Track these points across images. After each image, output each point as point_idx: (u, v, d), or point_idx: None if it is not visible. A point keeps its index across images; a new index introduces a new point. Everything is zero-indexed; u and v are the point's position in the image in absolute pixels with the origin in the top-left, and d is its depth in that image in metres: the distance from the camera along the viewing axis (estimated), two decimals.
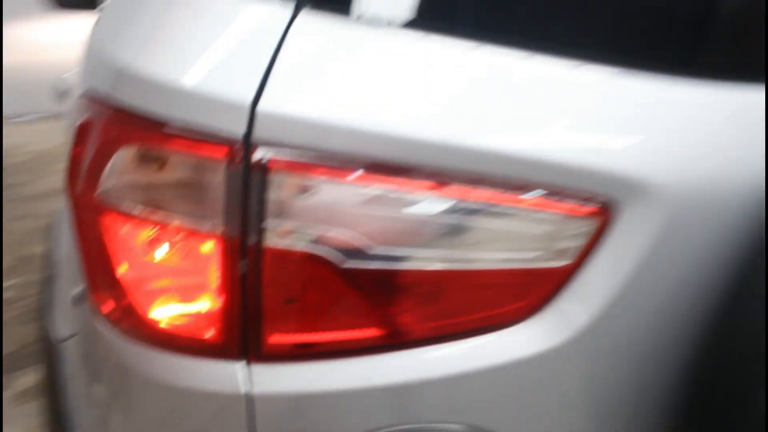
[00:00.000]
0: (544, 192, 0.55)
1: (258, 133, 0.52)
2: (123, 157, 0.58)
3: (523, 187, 0.55)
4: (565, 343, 0.58)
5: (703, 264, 0.58)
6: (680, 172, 0.56)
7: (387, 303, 0.57)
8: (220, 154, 0.53)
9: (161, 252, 0.58)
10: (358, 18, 0.55)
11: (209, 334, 0.58)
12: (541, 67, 0.56)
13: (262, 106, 0.52)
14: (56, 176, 3.42)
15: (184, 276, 0.58)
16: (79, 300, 0.79)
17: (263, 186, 0.53)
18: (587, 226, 0.57)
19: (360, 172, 0.53)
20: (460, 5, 0.58)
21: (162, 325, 0.59)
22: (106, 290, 0.62)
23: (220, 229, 0.54)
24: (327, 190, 0.53)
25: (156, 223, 0.57)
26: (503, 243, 0.57)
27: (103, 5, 1.07)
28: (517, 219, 0.56)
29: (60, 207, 1.12)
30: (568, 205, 0.56)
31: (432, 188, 0.54)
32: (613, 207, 0.56)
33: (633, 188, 0.55)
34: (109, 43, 0.66)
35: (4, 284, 2.75)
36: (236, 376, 0.57)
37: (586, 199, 0.56)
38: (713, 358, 0.60)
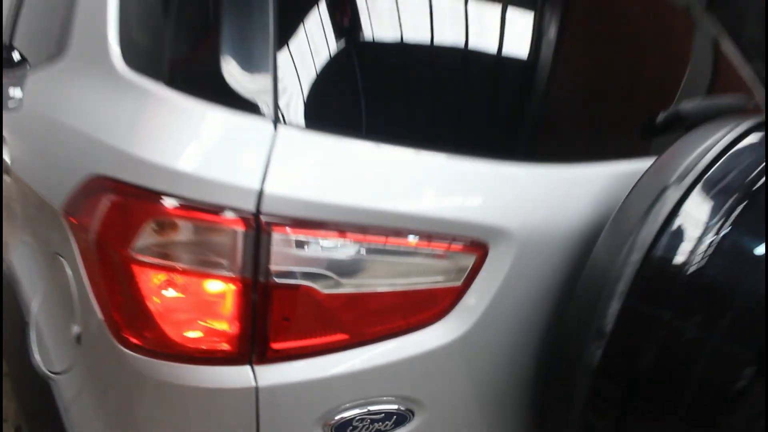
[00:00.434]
0: (435, 236, 0.87)
1: (263, 208, 0.79)
2: (154, 226, 0.83)
3: (418, 233, 0.86)
4: (462, 336, 0.90)
5: (540, 279, 0.93)
6: (521, 222, 0.90)
7: (347, 316, 0.86)
8: (238, 223, 0.79)
9: (186, 291, 0.84)
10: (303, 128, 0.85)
11: (226, 347, 0.83)
12: (424, 158, 0.89)
13: (265, 191, 0.79)
14: None
15: (205, 308, 0.84)
16: (79, 339, 1.01)
17: (269, 243, 0.80)
18: (470, 259, 0.90)
19: (327, 231, 0.83)
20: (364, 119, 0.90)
21: (189, 345, 0.84)
22: (138, 324, 0.86)
23: (237, 273, 0.81)
24: (308, 243, 0.82)
25: (183, 271, 0.82)
26: (420, 272, 0.88)
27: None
28: (422, 256, 0.88)
29: (20, 266, 1.29)
30: (457, 246, 0.88)
31: (362, 238, 0.84)
32: (486, 245, 0.89)
33: (496, 233, 0.89)
34: (119, 135, 0.90)
35: None
36: (247, 376, 0.83)
37: (465, 240, 0.88)
38: (552, 341, 0.95)
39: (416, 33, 1.00)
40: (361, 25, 0.97)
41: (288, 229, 0.80)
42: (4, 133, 1.49)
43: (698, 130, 1.00)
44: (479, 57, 1.05)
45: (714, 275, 0.84)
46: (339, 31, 0.95)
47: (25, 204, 1.30)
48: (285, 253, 0.81)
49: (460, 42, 1.04)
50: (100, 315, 0.91)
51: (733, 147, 0.93)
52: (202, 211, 0.80)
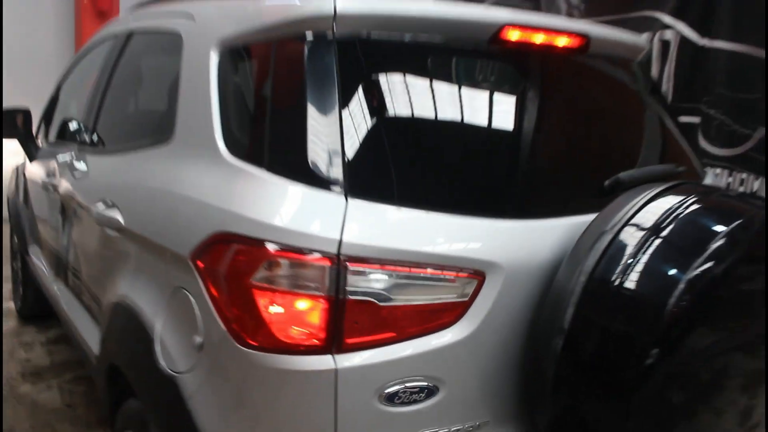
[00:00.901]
0: (449, 267, 1.32)
1: (342, 251, 1.25)
2: (266, 264, 1.28)
3: (439, 266, 1.32)
4: (469, 335, 1.35)
5: (521, 296, 1.39)
6: (507, 258, 1.36)
7: (394, 321, 1.31)
8: (325, 261, 1.25)
9: (289, 306, 1.28)
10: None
11: (316, 342, 1.28)
12: (442, 217, 1.35)
13: (343, 240, 1.25)
14: None
15: (302, 317, 1.28)
16: (201, 347, 1.44)
17: (345, 273, 1.25)
18: (473, 283, 1.35)
19: (382, 266, 1.28)
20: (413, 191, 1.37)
21: (291, 342, 1.28)
22: (255, 330, 1.30)
23: (324, 293, 1.26)
24: (370, 273, 1.27)
25: (288, 293, 1.27)
26: (441, 292, 1.33)
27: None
28: (442, 281, 1.33)
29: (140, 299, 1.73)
30: (464, 274, 1.33)
31: (403, 270, 1.29)
32: (484, 274, 1.35)
33: (491, 265, 1.34)
34: (235, 203, 1.36)
35: None
36: (330, 362, 1.27)
37: (471, 272, 1.34)
38: (530, 336, 1.40)
39: (437, 135, 1.48)
40: (397, 128, 1.45)
41: (357, 264, 1.26)
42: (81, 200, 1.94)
43: (628, 193, 1.47)
44: (480, 150, 1.53)
45: (633, 289, 1.29)
46: (381, 134, 1.42)
47: (142, 253, 1.75)
48: (355, 280, 1.26)
49: (469, 136, 1.52)
50: (223, 327, 1.35)
51: (648, 203, 1.40)
52: (301, 253, 1.26)
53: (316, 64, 1.41)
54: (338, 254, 1.24)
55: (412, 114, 1.48)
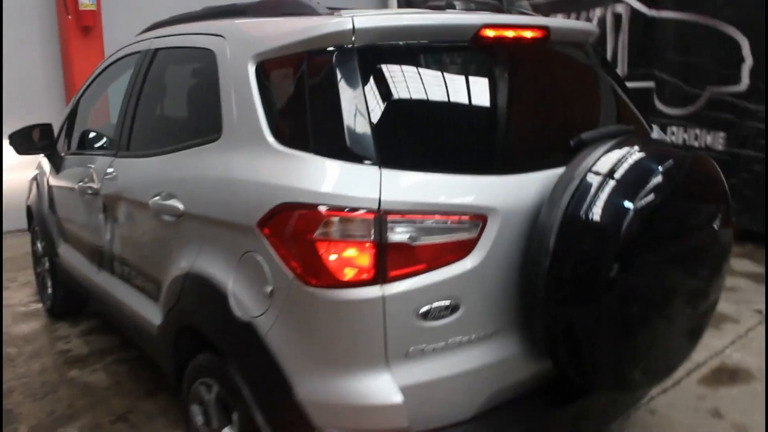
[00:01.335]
0: (461, 213, 1.77)
1: (381, 207, 1.69)
2: (326, 223, 1.71)
3: (454, 213, 1.76)
4: (479, 263, 1.79)
5: (515, 230, 1.84)
6: (502, 204, 1.81)
7: (424, 256, 1.75)
8: (370, 214, 1.69)
9: (345, 252, 1.72)
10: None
11: (366, 277, 1.71)
12: (452, 177, 1.79)
13: (382, 198, 1.68)
14: None
15: (354, 261, 1.71)
16: (270, 294, 1.87)
17: (385, 223, 1.69)
18: (478, 225, 1.80)
19: (412, 215, 1.72)
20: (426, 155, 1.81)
21: (347, 279, 1.71)
22: (318, 273, 1.73)
23: (371, 239, 1.69)
24: (404, 222, 1.71)
25: (343, 242, 1.71)
26: (456, 231, 1.77)
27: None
28: (456, 223, 1.78)
29: (210, 267, 2.14)
30: (470, 217, 1.78)
31: (428, 217, 1.73)
32: (485, 216, 1.79)
33: (491, 210, 1.79)
34: (291, 180, 1.78)
35: None
36: (379, 292, 1.71)
37: (475, 215, 1.79)
38: (524, 259, 1.86)
39: (440, 115, 1.92)
40: (411, 111, 1.89)
41: (393, 216, 1.69)
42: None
43: (589, 148, 1.93)
44: (473, 124, 1.98)
45: (596, 219, 1.75)
46: (399, 117, 1.86)
47: (206, 231, 2.16)
48: (392, 228, 1.69)
49: (463, 114, 1.97)
50: (290, 275, 1.78)
51: (604, 155, 1.85)
52: (351, 212, 1.69)
53: (343, 67, 1.83)
54: (379, 209, 1.68)
55: (420, 100, 1.93)
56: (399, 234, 1.70)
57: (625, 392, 2.13)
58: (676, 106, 6.23)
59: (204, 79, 2.40)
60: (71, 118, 3.86)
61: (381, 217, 1.67)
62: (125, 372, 3.76)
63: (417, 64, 1.95)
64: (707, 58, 5.92)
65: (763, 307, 4.39)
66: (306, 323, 1.80)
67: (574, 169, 1.87)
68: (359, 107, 1.79)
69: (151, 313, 2.67)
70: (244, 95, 2.06)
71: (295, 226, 1.74)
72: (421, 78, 1.94)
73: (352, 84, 1.81)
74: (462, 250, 1.78)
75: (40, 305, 4.82)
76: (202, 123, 2.31)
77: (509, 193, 1.85)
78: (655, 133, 2.54)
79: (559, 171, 1.92)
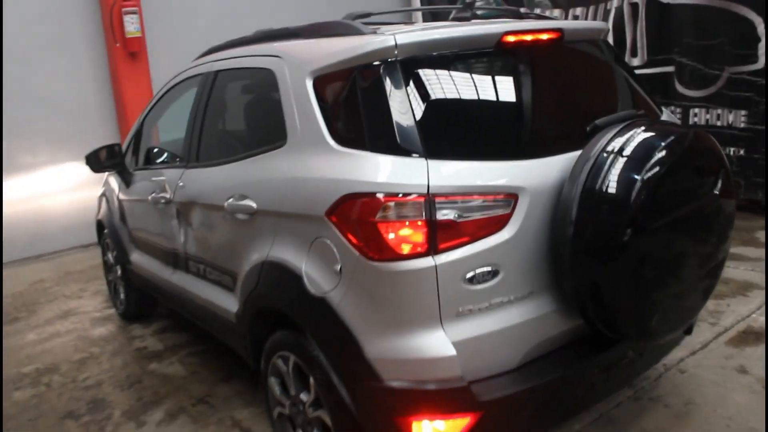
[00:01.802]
0: (497, 193, 2.12)
1: (430, 192, 2.04)
2: (385, 207, 2.07)
3: (491, 193, 2.11)
4: (514, 234, 2.13)
5: (542, 205, 2.18)
6: (530, 184, 2.15)
7: (468, 229, 2.09)
8: (421, 198, 2.04)
9: (402, 231, 2.07)
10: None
11: (421, 250, 2.06)
12: (488, 163, 2.14)
13: (430, 184, 2.04)
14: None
15: (409, 237, 2.06)
16: (340, 271, 2.23)
17: (434, 205, 2.04)
18: (511, 202, 2.14)
19: (456, 197, 2.07)
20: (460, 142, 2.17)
21: (405, 252, 2.07)
22: (380, 249, 2.08)
23: (423, 218, 2.04)
24: (450, 202, 2.06)
25: (398, 222, 2.06)
26: (493, 208, 2.12)
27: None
28: (492, 201, 2.12)
29: (284, 254, 2.51)
30: (503, 195, 2.13)
31: (469, 197, 2.08)
32: (517, 195, 2.13)
33: (520, 189, 2.13)
34: (353, 174, 2.15)
35: None
36: (432, 261, 2.06)
37: (507, 194, 2.13)
38: (551, 229, 2.20)
39: (474, 112, 2.27)
40: (449, 110, 2.24)
41: (440, 198, 2.04)
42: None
43: (602, 132, 2.26)
44: (502, 117, 2.32)
45: (610, 191, 2.08)
46: (440, 115, 2.21)
47: (278, 224, 2.53)
48: (441, 207, 2.04)
49: (493, 110, 2.32)
50: (356, 253, 2.14)
51: (614, 136, 2.18)
52: (405, 197, 2.04)
53: (389, 78, 2.19)
54: (428, 193, 2.03)
55: (456, 99, 2.28)
56: (446, 213, 2.05)
57: (647, 340, 2.44)
58: (697, 88, 6.47)
59: (265, 94, 2.78)
60: (137, 137, 4.29)
61: (430, 200, 2.02)
62: (199, 363, 4.17)
63: (451, 70, 2.30)
64: (724, 40, 6.16)
65: None
66: (371, 293, 2.15)
67: (590, 150, 2.20)
68: (405, 109, 2.14)
69: (228, 303, 3.06)
70: (304, 106, 2.43)
71: (358, 212, 2.10)
72: (455, 81, 2.29)
73: (397, 91, 2.17)
74: (499, 223, 2.12)
75: (112, 310, 5.27)
76: (268, 132, 2.68)
77: (536, 174, 2.19)
78: (665, 116, 2.85)
79: (578, 153, 2.25)
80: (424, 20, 8.81)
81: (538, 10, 7.41)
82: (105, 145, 4.24)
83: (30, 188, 7.00)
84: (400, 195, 2.03)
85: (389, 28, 2.50)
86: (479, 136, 2.27)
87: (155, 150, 4.12)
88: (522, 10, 3.15)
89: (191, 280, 3.52)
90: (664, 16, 6.58)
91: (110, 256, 5.03)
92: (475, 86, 2.34)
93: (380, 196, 2.05)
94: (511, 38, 2.36)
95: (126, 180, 4.29)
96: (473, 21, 2.72)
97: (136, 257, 4.43)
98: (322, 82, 2.41)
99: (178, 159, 3.63)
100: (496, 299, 2.15)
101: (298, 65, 2.53)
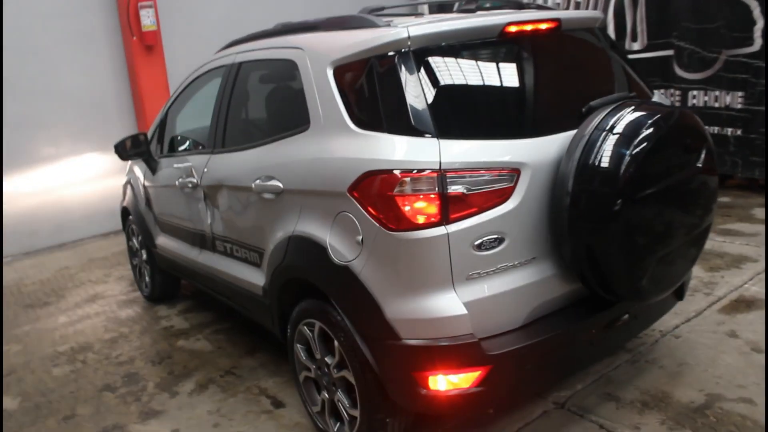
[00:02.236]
0: (501, 168, 2.36)
1: (442, 168, 2.28)
2: (402, 182, 2.32)
3: (496, 168, 2.36)
4: (517, 205, 2.37)
5: (542, 178, 2.42)
6: (532, 160, 2.39)
7: (476, 201, 2.33)
8: (434, 173, 2.29)
9: (417, 203, 2.32)
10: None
11: (434, 220, 2.30)
12: (492, 142, 2.38)
13: (442, 161, 2.28)
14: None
15: (424, 209, 2.31)
16: (361, 242, 2.49)
17: (446, 179, 2.28)
18: (514, 176, 2.38)
19: (465, 171, 2.31)
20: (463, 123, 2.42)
21: (419, 222, 2.31)
22: (397, 218, 2.33)
23: (436, 191, 2.27)
24: (460, 177, 2.30)
25: (414, 195, 2.31)
26: (498, 182, 2.37)
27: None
28: (497, 175, 2.37)
29: (310, 229, 2.76)
30: (507, 170, 2.38)
31: (477, 172, 2.32)
32: (519, 170, 2.38)
33: (522, 164, 2.38)
34: (372, 154, 2.39)
35: None
36: (445, 230, 2.31)
37: (511, 169, 2.38)
38: (550, 200, 2.45)
39: (480, 95, 2.52)
40: (457, 94, 2.48)
41: (451, 173, 2.29)
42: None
43: (596, 112, 2.50)
44: (507, 99, 2.57)
45: (603, 165, 2.32)
46: (449, 99, 2.45)
47: (304, 201, 2.78)
48: (452, 181, 2.29)
49: (498, 93, 2.56)
50: (376, 224, 2.39)
51: (607, 116, 2.43)
52: (420, 172, 2.29)
53: (403, 66, 2.43)
54: (440, 169, 2.27)
55: (464, 85, 2.53)
56: (456, 186, 2.29)
57: (639, 301, 2.69)
58: (695, 71, 6.69)
59: (288, 83, 3.03)
60: (161, 127, 4.54)
61: (442, 175, 2.27)
62: (224, 339, 4.44)
63: (459, 58, 2.55)
64: (721, 23, 6.36)
65: None
66: (390, 260, 2.40)
67: (584, 128, 2.44)
68: (418, 94, 2.39)
69: (255, 277, 3.32)
70: (326, 93, 2.68)
71: (378, 188, 2.35)
72: (462, 68, 2.54)
73: (411, 77, 2.41)
74: (503, 195, 2.36)
75: (137, 294, 5.54)
76: (292, 118, 2.92)
77: (536, 151, 2.43)
78: (656, 97, 3.09)
79: (574, 132, 2.49)
80: (430, 12, 9.02)
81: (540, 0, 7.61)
82: (132, 135, 4.50)
83: (52, 179, 7.28)
84: (416, 171, 2.28)
85: (401, 20, 2.73)
86: (485, 118, 2.52)
87: (180, 138, 4.38)
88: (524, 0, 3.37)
89: (218, 259, 3.78)
90: (663, 1, 6.79)
91: (135, 241, 5.29)
92: (481, 72, 2.58)
93: (397, 172, 2.30)
94: (512, 28, 2.60)
95: (152, 167, 4.54)
96: (477, 12, 2.96)
97: (162, 240, 4.69)
98: (341, 71, 2.65)
99: (202, 146, 3.88)
100: (502, 264, 2.40)
101: (319, 56, 2.77)
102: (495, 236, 2.36)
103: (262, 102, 3.43)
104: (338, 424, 2.89)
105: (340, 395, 2.80)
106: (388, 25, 2.60)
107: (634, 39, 7.05)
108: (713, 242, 5.03)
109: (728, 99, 6.41)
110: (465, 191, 2.29)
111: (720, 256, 4.80)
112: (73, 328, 4.95)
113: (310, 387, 3.05)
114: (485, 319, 2.39)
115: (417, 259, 2.34)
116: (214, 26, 7.87)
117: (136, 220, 5.03)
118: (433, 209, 2.28)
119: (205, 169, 3.65)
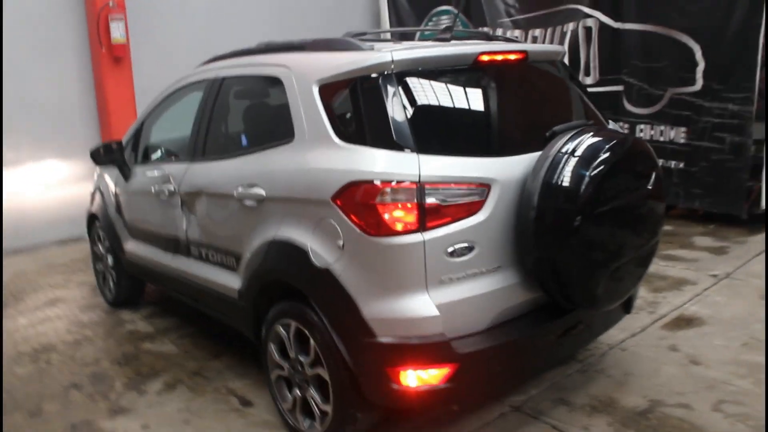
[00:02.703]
0: (472, 183, 2.60)
1: (421, 180, 2.50)
2: (383, 192, 2.53)
3: (468, 183, 2.59)
4: (486, 218, 2.60)
5: (510, 194, 2.67)
6: (500, 177, 2.63)
7: (450, 212, 2.55)
8: (414, 185, 2.50)
9: (393, 211, 2.52)
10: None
11: (412, 227, 2.51)
12: (465, 159, 2.62)
13: (421, 174, 2.50)
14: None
15: (403, 217, 2.51)
16: (342, 246, 2.69)
17: (424, 191, 2.50)
18: (485, 190, 2.62)
19: (440, 185, 2.54)
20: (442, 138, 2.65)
21: (398, 229, 2.51)
22: (377, 225, 2.53)
23: (414, 202, 2.49)
24: (435, 189, 2.52)
25: (393, 205, 2.52)
26: (470, 195, 2.60)
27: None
28: (469, 189, 2.60)
29: (292, 234, 2.95)
30: (479, 185, 2.61)
31: (450, 186, 2.55)
32: (489, 185, 2.62)
33: (493, 180, 2.62)
34: (354, 165, 2.61)
35: None
36: (421, 237, 2.51)
37: (482, 184, 2.62)
38: (517, 214, 2.69)
39: (455, 116, 2.76)
40: (435, 114, 2.72)
41: (429, 185, 2.51)
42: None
43: (558, 137, 2.77)
44: (478, 122, 2.82)
45: (564, 184, 2.58)
46: (428, 118, 2.68)
47: (285, 208, 2.97)
48: (429, 193, 2.50)
49: (471, 115, 2.80)
50: (357, 230, 2.58)
51: (568, 140, 2.69)
52: (400, 183, 2.51)
53: (386, 87, 2.66)
54: (419, 181, 2.49)
55: (441, 106, 2.77)
56: (433, 198, 2.51)
57: (594, 308, 2.95)
58: (643, 106, 7.12)
59: (273, 98, 3.22)
60: (137, 135, 4.66)
61: (421, 187, 2.49)
62: (190, 343, 4.54)
63: (436, 81, 2.79)
64: (667, 63, 6.82)
65: (717, 272, 5.26)
66: (370, 263, 2.60)
67: (548, 150, 2.70)
68: (399, 113, 2.61)
69: (231, 281, 3.47)
70: (311, 109, 2.88)
71: (361, 196, 2.55)
72: (439, 91, 2.78)
73: (393, 97, 2.63)
74: (475, 207, 2.59)
75: (100, 299, 5.57)
76: (276, 130, 3.11)
77: (505, 168, 2.68)
78: (611, 126, 3.39)
79: (539, 153, 2.75)
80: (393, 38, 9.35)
81: (500, 31, 8.00)
82: (107, 142, 4.61)
83: (11, 184, 7.25)
84: (396, 182, 2.49)
85: (381, 45, 2.97)
86: (459, 136, 2.76)
87: (156, 147, 4.51)
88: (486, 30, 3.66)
89: (192, 264, 3.90)
90: (615, 40, 7.23)
91: (100, 246, 5.34)
92: (455, 95, 2.83)
93: (379, 182, 2.51)
94: (485, 57, 2.86)
95: (125, 174, 4.64)
96: (452, 42, 3.22)
97: (132, 246, 4.77)
98: (327, 89, 2.86)
99: (181, 155, 4.03)
100: (471, 270, 2.62)
101: (306, 75, 2.97)
102: (466, 245, 2.58)
103: (246, 114, 3.60)
104: (308, 421, 3.04)
105: (312, 392, 2.96)
106: (371, 48, 2.82)
107: (587, 74, 7.46)
108: (657, 266, 5.37)
109: (672, 134, 6.85)
110: (441, 202, 2.51)
111: (663, 279, 5.14)
112: (34, 330, 4.96)
113: (281, 385, 3.21)
114: (455, 320, 2.60)
115: (395, 263, 2.54)
116: (184, 42, 8.01)
117: (104, 225, 5.09)
118: (411, 218, 2.49)
119: (184, 177, 3.79)
